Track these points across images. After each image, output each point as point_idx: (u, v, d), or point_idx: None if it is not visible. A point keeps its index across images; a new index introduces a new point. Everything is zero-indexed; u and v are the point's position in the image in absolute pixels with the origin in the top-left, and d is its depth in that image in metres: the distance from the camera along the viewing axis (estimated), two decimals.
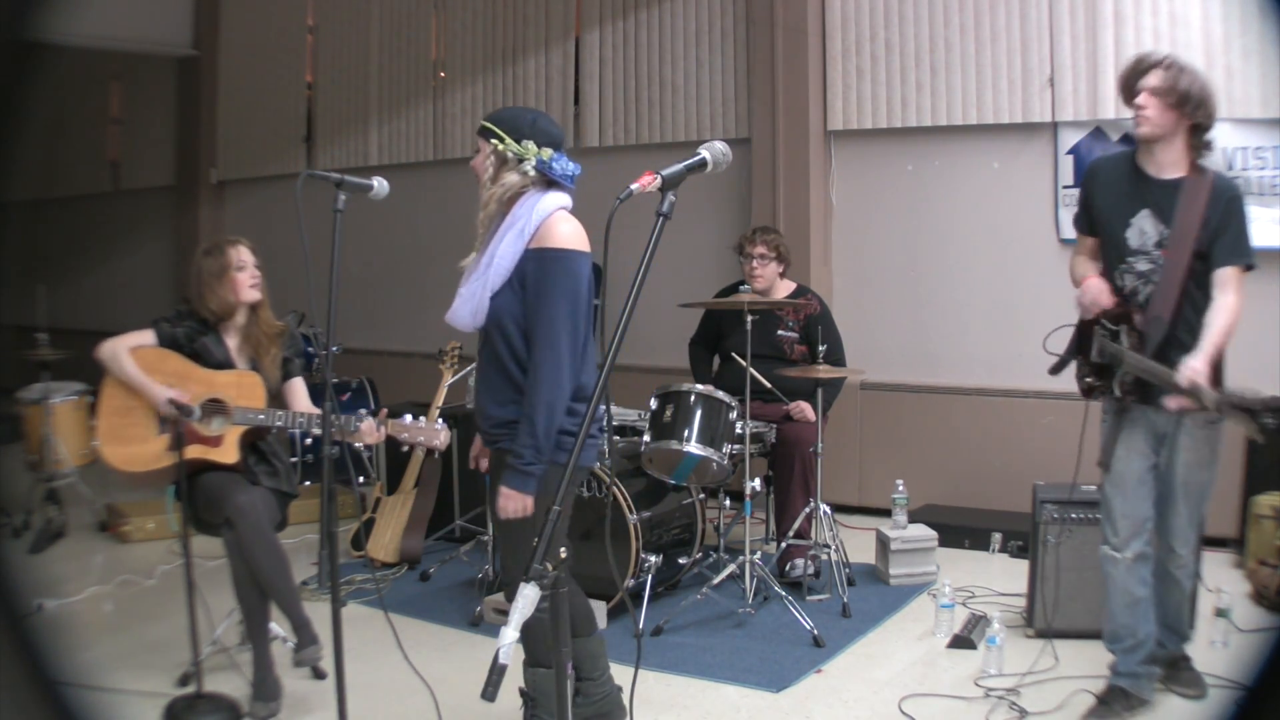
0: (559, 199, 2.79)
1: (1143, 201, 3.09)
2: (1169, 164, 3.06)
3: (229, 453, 3.41)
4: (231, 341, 3.56)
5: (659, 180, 2.06)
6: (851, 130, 5.96)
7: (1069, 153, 5.39)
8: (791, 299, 4.90)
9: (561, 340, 2.71)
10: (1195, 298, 3.04)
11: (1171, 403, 2.84)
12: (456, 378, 4.92)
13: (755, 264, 4.90)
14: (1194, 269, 3.03)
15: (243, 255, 3.53)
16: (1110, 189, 3.17)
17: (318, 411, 3.47)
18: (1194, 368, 2.81)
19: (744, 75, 6.20)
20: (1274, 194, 4.89)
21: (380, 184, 2.87)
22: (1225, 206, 3.00)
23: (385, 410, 3.29)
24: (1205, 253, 3.00)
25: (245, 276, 3.52)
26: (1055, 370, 3.36)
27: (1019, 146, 5.57)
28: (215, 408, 3.43)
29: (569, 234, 2.74)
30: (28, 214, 10.17)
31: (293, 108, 8.27)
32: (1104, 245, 3.21)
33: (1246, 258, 3.02)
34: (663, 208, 2.01)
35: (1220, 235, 2.99)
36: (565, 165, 2.80)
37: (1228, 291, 2.98)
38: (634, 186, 2.06)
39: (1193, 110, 2.99)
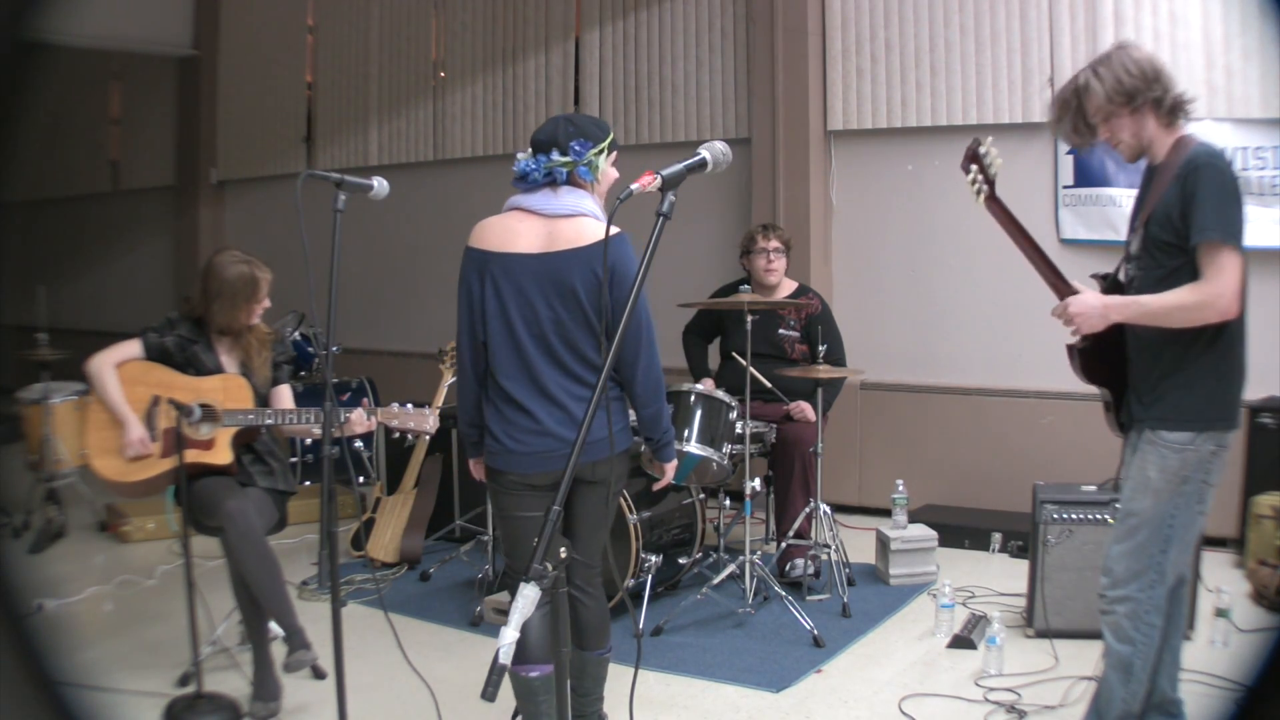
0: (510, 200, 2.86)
1: (1141, 199, 2.78)
2: (1159, 150, 2.70)
3: (221, 454, 3.41)
4: (221, 346, 3.58)
5: (659, 180, 2.07)
6: (851, 130, 5.96)
7: (1069, 153, 5.39)
8: (792, 298, 4.90)
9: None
10: (1146, 290, 2.64)
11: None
12: (456, 377, 4.92)
13: (771, 258, 4.91)
14: (1146, 261, 2.65)
15: (267, 288, 3.58)
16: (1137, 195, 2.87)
17: (306, 409, 3.49)
18: (1078, 307, 2.60)
19: (744, 75, 6.20)
20: (1274, 194, 4.89)
21: (380, 184, 2.88)
22: (1185, 180, 2.54)
23: (368, 400, 3.32)
24: (1171, 240, 2.59)
25: (260, 307, 3.57)
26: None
27: (1019, 146, 5.56)
28: (204, 413, 3.44)
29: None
30: (28, 214, 10.17)
31: (293, 108, 8.27)
32: None
33: (1212, 231, 2.49)
34: (663, 208, 2.02)
35: (1188, 212, 2.53)
36: (518, 166, 2.83)
37: (1204, 275, 2.51)
38: (634, 186, 2.07)
39: (1140, 97, 2.60)
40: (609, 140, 2.84)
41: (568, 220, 2.75)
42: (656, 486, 3.15)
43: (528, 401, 2.77)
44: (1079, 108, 2.70)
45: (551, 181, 2.77)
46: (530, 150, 2.81)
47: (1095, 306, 2.65)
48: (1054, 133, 2.85)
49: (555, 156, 2.75)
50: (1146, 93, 2.61)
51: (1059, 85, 5.22)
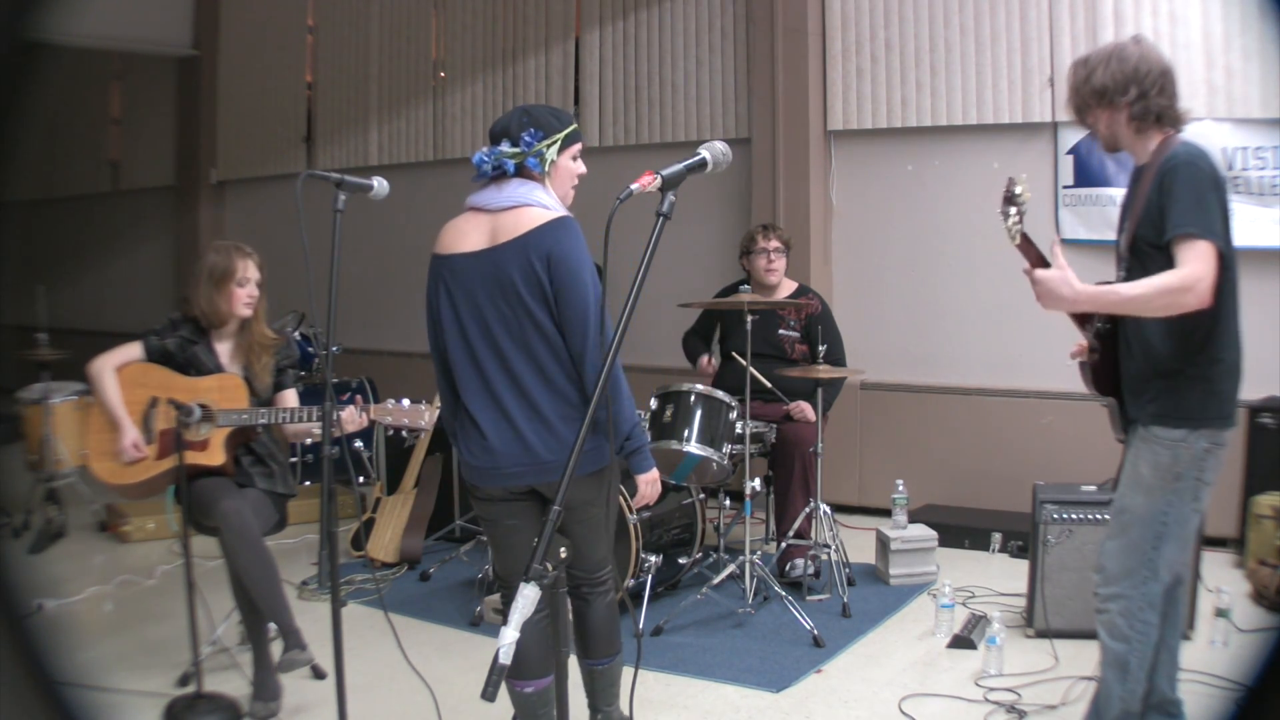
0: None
1: (1129, 201, 2.79)
2: (1137, 153, 2.73)
3: (215, 455, 3.40)
4: (223, 348, 3.56)
5: (659, 180, 2.07)
6: (851, 130, 5.96)
7: (1069, 153, 5.39)
8: (793, 298, 4.90)
9: None
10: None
11: None
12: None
13: (771, 258, 4.91)
14: (1133, 263, 2.66)
15: (249, 270, 3.51)
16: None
17: (301, 408, 3.48)
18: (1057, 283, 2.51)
19: (744, 75, 6.20)
20: (1274, 194, 4.88)
21: (380, 184, 2.87)
22: (1161, 180, 2.56)
23: (360, 398, 3.30)
24: (1156, 241, 2.58)
25: (243, 293, 3.51)
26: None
27: (1019, 146, 5.57)
28: (201, 413, 3.43)
29: None
30: (28, 214, 10.17)
31: (293, 108, 8.27)
32: None
33: (1189, 226, 2.49)
34: (663, 208, 2.02)
35: (1165, 211, 2.55)
36: (474, 159, 2.75)
37: (1181, 263, 2.50)
38: (634, 186, 2.08)
39: (1112, 98, 2.63)
40: (566, 132, 2.73)
41: (509, 212, 2.67)
42: (636, 504, 2.97)
43: (479, 414, 2.70)
44: (1068, 92, 2.76)
45: (501, 174, 2.69)
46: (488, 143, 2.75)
47: (1064, 293, 2.57)
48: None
49: (505, 147, 2.69)
50: (1117, 95, 2.63)
51: (1059, 85, 5.25)
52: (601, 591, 2.87)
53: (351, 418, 3.28)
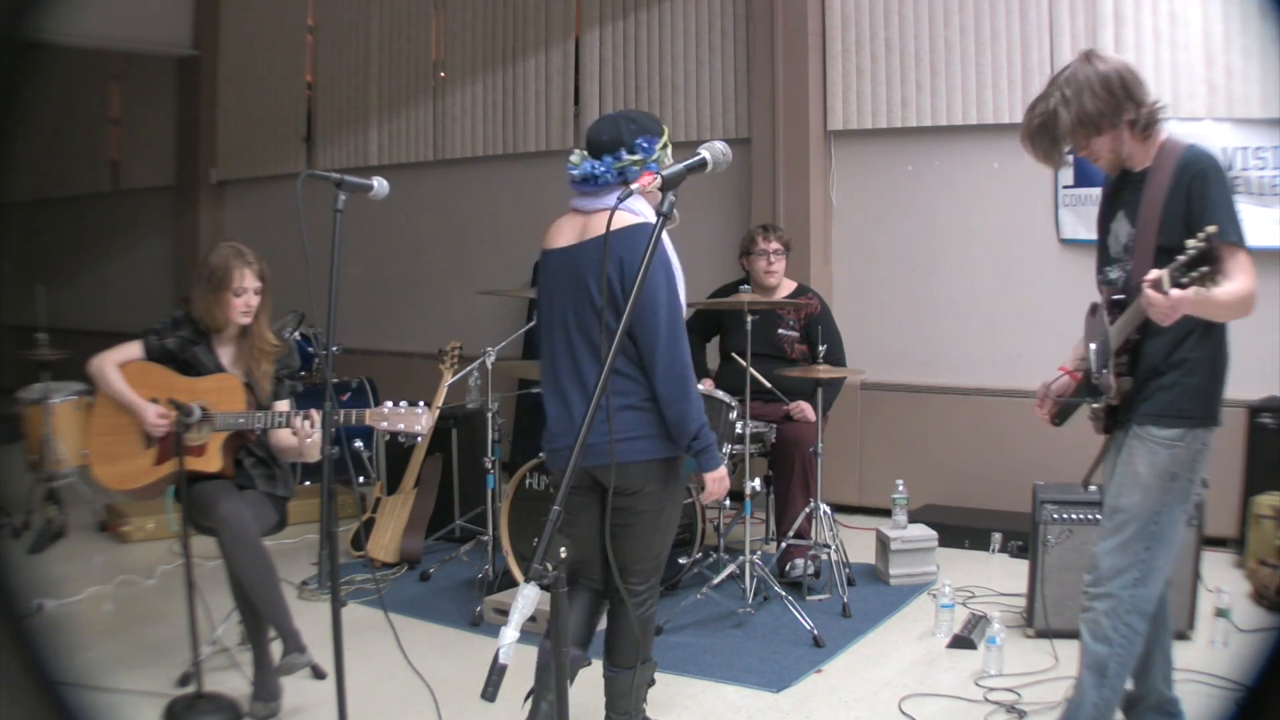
0: None
1: (1119, 202, 2.78)
2: (1138, 159, 2.71)
3: (211, 461, 3.38)
4: (224, 351, 3.54)
5: (659, 180, 2.07)
6: (851, 130, 5.96)
7: (1069, 153, 5.38)
8: (792, 298, 4.90)
9: None
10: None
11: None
12: (456, 378, 4.92)
13: (771, 260, 4.91)
14: (1145, 266, 2.57)
15: (246, 279, 3.45)
16: (1104, 195, 2.91)
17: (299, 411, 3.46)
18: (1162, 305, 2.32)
19: (744, 75, 6.20)
20: (1274, 194, 4.89)
21: (380, 184, 2.87)
22: (1189, 187, 2.55)
23: (313, 411, 3.25)
24: (1177, 247, 2.45)
25: (240, 302, 3.46)
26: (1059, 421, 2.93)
27: (1019, 147, 5.54)
28: (200, 415, 3.42)
29: None
30: (28, 214, 10.17)
31: (293, 108, 8.28)
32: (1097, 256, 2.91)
33: (1232, 234, 2.50)
34: (663, 207, 2.02)
35: (1196, 215, 2.53)
36: (581, 169, 2.83)
37: (1235, 274, 2.48)
38: (634, 186, 2.08)
39: (1112, 120, 2.63)
40: (667, 133, 2.86)
41: (600, 214, 2.76)
42: (704, 499, 3.01)
43: (546, 400, 2.87)
44: (1051, 134, 2.72)
45: (624, 181, 2.74)
46: (586, 152, 2.81)
47: (1180, 304, 2.44)
48: (1028, 152, 2.85)
49: (624, 156, 2.76)
50: (1115, 115, 2.62)
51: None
52: (635, 603, 2.88)
53: (304, 433, 3.29)
